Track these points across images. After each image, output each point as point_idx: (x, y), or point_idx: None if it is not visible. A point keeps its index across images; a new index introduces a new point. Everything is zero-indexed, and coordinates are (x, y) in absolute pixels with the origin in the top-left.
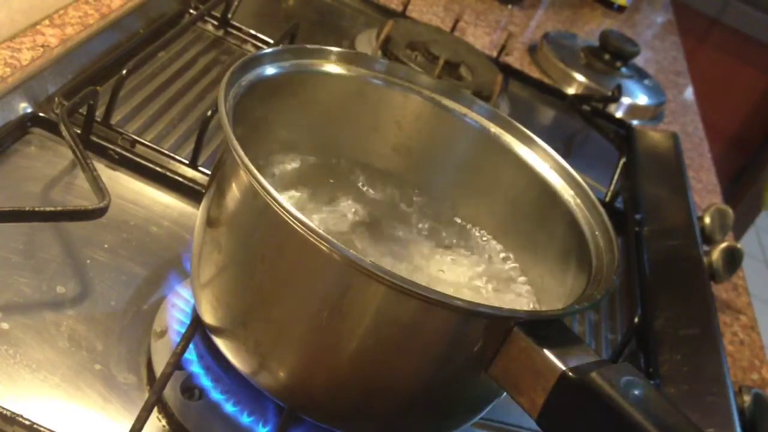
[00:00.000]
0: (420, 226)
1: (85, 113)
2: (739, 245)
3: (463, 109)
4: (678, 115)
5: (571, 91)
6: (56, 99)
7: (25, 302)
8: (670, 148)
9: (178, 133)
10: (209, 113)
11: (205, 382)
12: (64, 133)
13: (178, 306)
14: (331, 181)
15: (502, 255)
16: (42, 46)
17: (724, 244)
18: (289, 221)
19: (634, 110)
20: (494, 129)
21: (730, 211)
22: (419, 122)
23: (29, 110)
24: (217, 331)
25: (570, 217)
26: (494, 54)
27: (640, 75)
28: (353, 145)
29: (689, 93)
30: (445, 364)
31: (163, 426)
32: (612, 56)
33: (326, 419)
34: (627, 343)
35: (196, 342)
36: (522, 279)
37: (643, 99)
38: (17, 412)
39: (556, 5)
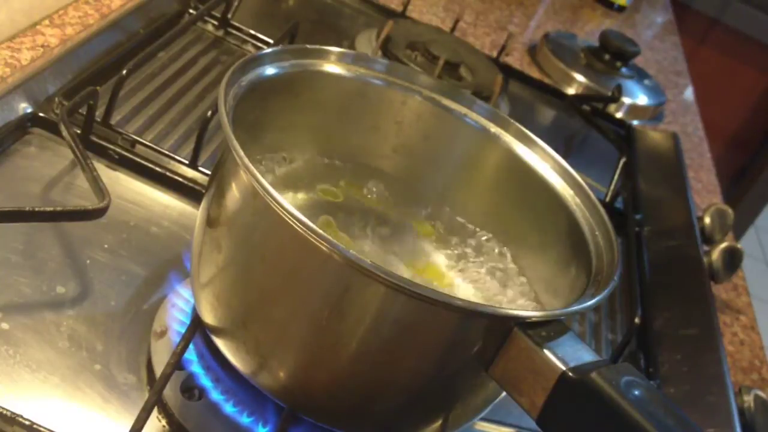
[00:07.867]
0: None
1: (85, 113)
2: (739, 245)
3: (463, 109)
4: (678, 115)
5: (571, 91)
6: (56, 99)
7: (25, 302)
8: (670, 148)
9: (178, 133)
10: (209, 113)
11: (205, 382)
12: (64, 133)
13: (178, 306)
14: (331, 181)
15: (502, 254)
16: (42, 46)
17: (724, 244)
18: (289, 221)
19: (634, 110)
20: (494, 129)
21: (730, 211)
22: (419, 122)
23: (29, 110)
24: (217, 331)
25: (570, 217)
26: (494, 54)
27: (640, 75)
28: (353, 145)
29: (689, 93)
30: (445, 364)
31: (163, 426)
32: (612, 56)
33: (326, 419)
34: (627, 343)
35: (196, 342)
36: (522, 279)
37: (643, 99)
38: (17, 412)
39: (556, 5)
